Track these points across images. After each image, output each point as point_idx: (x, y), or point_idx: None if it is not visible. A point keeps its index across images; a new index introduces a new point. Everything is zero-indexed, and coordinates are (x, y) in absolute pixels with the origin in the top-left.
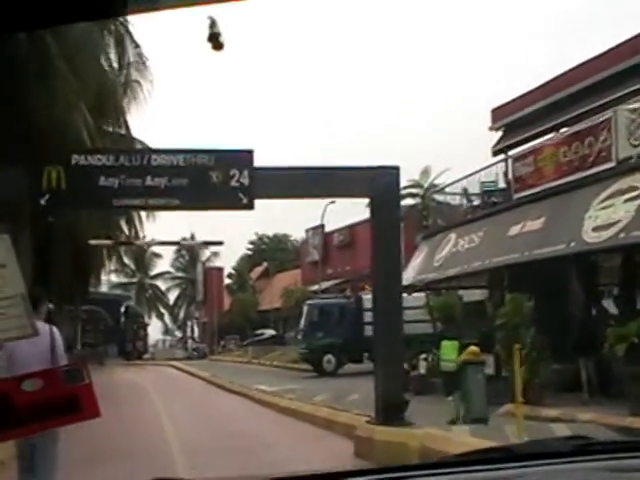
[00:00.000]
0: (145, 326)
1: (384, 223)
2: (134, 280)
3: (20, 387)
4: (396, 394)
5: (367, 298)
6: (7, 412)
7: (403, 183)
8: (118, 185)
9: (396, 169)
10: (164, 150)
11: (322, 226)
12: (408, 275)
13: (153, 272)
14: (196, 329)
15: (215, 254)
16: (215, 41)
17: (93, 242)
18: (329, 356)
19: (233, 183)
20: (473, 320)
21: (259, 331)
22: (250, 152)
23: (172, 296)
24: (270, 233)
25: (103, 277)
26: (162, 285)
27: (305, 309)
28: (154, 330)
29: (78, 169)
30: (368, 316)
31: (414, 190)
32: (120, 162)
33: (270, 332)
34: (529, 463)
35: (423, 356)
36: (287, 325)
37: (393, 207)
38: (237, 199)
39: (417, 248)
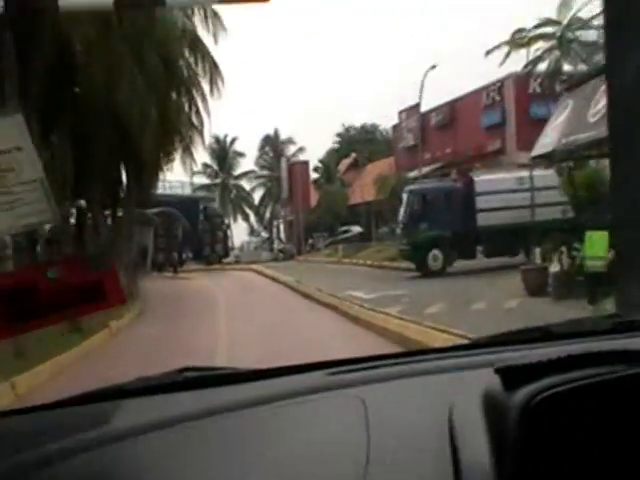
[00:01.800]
0: (226, 228)
1: None
2: (217, 181)
3: (45, 275)
4: None
5: (480, 180)
6: (34, 301)
7: (531, 22)
8: None
9: None
10: None
11: (418, 105)
12: (546, 140)
13: (236, 172)
14: (282, 229)
15: (300, 149)
16: None
17: None
18: (435, 252)
19: None
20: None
21: (344, 228)
22: None
23: (257, 196)
24: (357, 124)
25: (185, 179)
26: (246, 185)
27: (405, 197)
28: (240, 232)
29: None
30: (482, 201)
31: (547, 29)
32: None
33: (356, 229)
34: (567, 341)
35: (562, 249)
36: (380, 220)
37: None
38: None
39: (557, 105)
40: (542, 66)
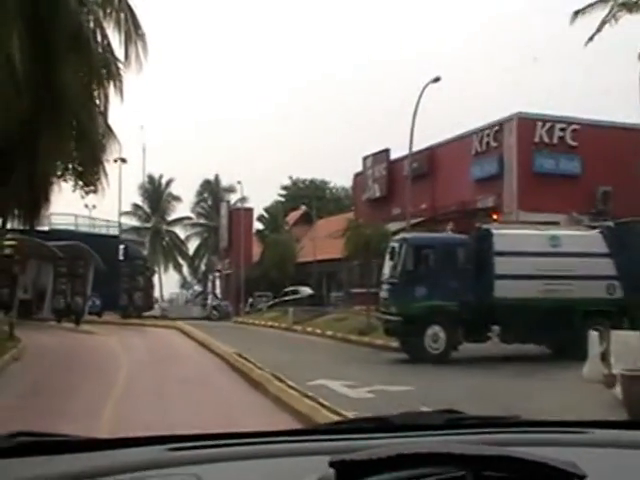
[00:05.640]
0: (150, 274)
1: None
2: (148, 225)
3: None
4: None
5: (502, 234)
6: None
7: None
8: None
9: None
10: None
11: (387, 151)
12: None
13: (171, 217)
14: (218, 284)
15: (243, 199)
16: None
17: None
18: (435, 329)
19: None
20: None
21: (291, 288)
22: None
23: (192, 245)
24: (306, 177)
25: (111, 218)
26: (181, 232)
27: (395, 249)
28: (171, 283)
29: None
30: (502, 264)
31: None
32: None
33: (306, 290)
34: (401, 434)
35: None
36: (332, 281)
37: None
38: None
39: None
40: None
